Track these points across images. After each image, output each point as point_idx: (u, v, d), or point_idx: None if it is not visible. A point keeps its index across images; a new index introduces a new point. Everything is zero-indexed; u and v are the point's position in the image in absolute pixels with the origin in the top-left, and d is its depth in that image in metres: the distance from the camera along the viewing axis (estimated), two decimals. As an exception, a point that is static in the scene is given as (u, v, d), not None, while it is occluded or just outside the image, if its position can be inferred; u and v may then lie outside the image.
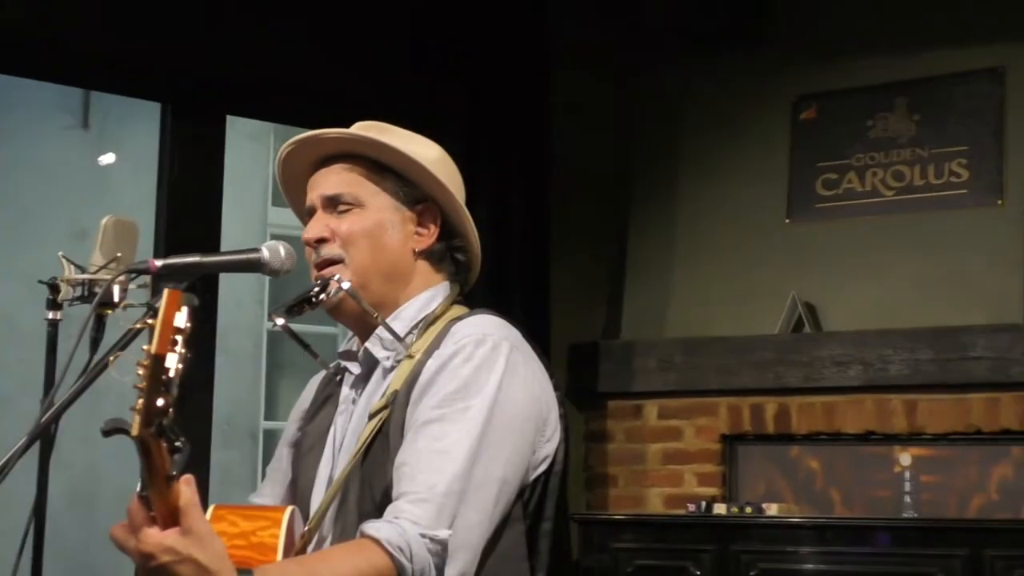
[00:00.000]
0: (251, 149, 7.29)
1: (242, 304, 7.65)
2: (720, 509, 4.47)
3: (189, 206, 4.25)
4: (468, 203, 4.74)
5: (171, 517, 1.57)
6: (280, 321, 1.99)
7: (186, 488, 1.56)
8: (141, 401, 1.45)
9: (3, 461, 1.95)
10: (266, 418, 8.08)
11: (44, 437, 2.56)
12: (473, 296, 4.51)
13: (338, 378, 2.13)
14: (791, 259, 4.87)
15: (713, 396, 4.85)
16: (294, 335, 2.05)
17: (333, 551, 1.84)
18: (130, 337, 1.90)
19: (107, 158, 7.33)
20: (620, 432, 5.01)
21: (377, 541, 1.75)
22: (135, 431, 1.45)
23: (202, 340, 4.18)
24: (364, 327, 2.06)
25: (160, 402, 1.44)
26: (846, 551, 4.22)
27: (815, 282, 4.82)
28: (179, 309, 1.46)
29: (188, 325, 1.47)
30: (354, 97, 4.30)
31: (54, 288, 2.48)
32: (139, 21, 4.06)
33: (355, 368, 2.08)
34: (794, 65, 5.01)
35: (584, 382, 5.04)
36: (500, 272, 4.60)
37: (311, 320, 2.14)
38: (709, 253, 5.07)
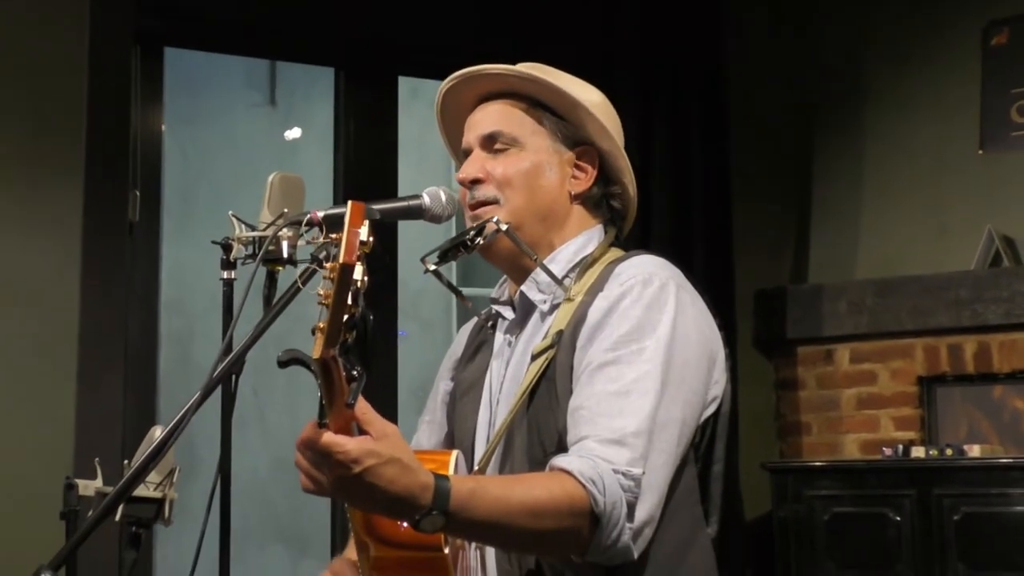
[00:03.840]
0: (432, 114, 7.39)
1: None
2: (919, 453, 4.32)
3: (365, 168, 4.31)
4: (646, 151, 4.69)
5: None
6: (431, 266, 1.97)
7: (362, 403, 1.55)
8: (326, 319, 1.43)
9: (180, 415, 2.00)
10: (457, 383, 8.14)
11: (225, 393, 2.62)
12: (653, 242, 4.47)
13: (490, 324, 2.10)
14: (986, 191, 4.66)
15: (908, 337, 4.69)
16: (444, 280, 2.03)
17: (526, 475, 1.81)
18: (308, 273, 1.92)
19: (293, 133, 7.51)
20: (811, 378, 4.89)
21: (569, 472, 1.72)
22: (317, 353, 1.44)
23: (385, 306, 4.26)
24: (519, 270, 2.02)
25: (345, 317, 1.43)
26: (1058, 492, 4.03)
27: (1013, 214, 4.60)
28: (362, 222, 1.44)
29: (371, 239, 1.45)
30: (526, 55, 4.27)
31: (226, 247, 2.51)
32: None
33: (509, 313, 2.05)
34: (982, -13, 4.79)
35: (772, 329, 4.93)
36: (682, 219, 4.53)
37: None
38: (898, 190, 4.88)
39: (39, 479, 3.39)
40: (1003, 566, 4.02)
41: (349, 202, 1.46)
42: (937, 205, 4.77)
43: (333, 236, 1.45)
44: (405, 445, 1.59)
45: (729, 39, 4.73)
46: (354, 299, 1.43)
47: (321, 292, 1.43)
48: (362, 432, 1.57)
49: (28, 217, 3.70)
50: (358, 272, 1.42)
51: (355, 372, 1.49)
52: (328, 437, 1.53)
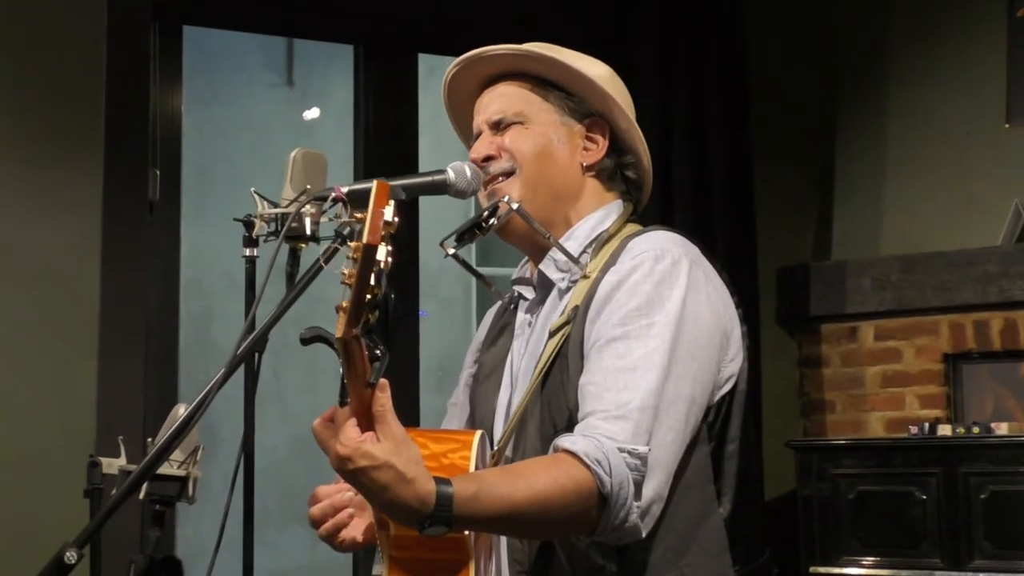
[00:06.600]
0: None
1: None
2: (945, 430, 4.28)
3: (385, 146, 4.29)
4: (666, 127, 4.65)
5: (368, 424, 1.56)
6: (451, 250, 1.96)
7: (381, 394, 1.55)
8: (348, 298, 1.42)
9: (204, 392, 1.98)
10: (479, 362, 8.13)
11: (248, 371, 2.61)
12: (675, 221, 4.44)
13: (513, 307, 2.09)
14: (1012, 165, 4.61)
15: (933, 314, 4.64)
16: (465, 264, 2.03)
17: (531, 463, 1.78)
18: (331, 251, 1.90)
19: (311, 113, 7.48)
20: (835, 356, 4.85)
21: (574, 454, 1.70)
22: (340, 333, 1.43)
23: (406, 285, 4.23)
24: (536, 249, 2.01)
25: (368, 296, 1.42)
26: (1086, 471, 3.99)
27: (1040, 189, 4.55)
28: (387, 202, 1.43)
29: (396, 219, 1.44)
30: (544, 30, 4.24)
31: (248, 225, 2.50)
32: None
33: (529, 293, 2.04)
34: (1008, -43, 4.73)
35: (795, 306, 4.89)
36: (703, 196, 4.49)
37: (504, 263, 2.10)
38: (923, 165, 4.83)
39: (62, 457, 3.40)
40: (1030, 544, 3.99)
41: (375, 181, 1.44)
42: (962, 179, 4.72)
43: (358, 215, 1.43)
44: (407, 450, 1.57)
45: (750, 11, 4.68)
46: (377, 280, 1.42)
47: (345, 271, 1.42)
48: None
49: (48, 196, 3.69)
50: (381, 252, 1.41)
51: (378, 352, 1.49)
52: (338, 422, 1.54)
